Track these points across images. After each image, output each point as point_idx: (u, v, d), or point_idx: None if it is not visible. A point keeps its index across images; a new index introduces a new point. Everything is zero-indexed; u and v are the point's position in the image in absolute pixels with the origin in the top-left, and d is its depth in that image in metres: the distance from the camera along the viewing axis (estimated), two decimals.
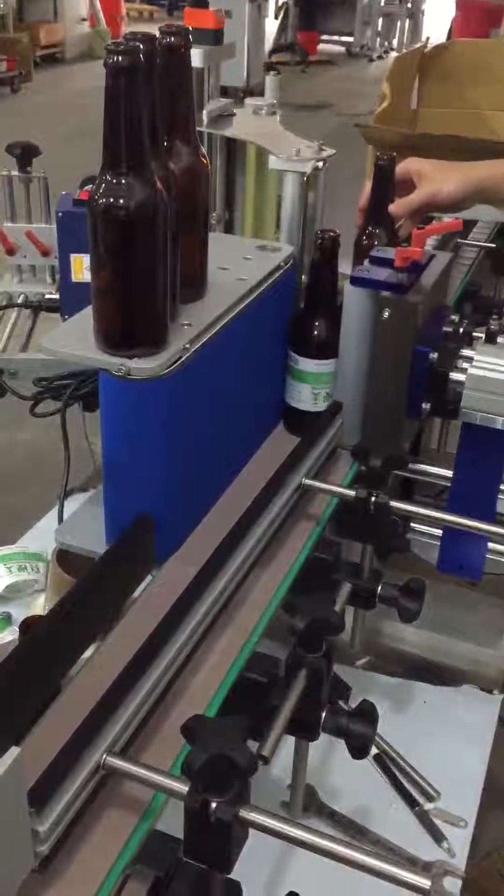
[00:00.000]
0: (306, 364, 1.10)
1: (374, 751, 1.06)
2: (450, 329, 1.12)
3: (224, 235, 1.30)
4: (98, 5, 10.02)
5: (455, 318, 1.14)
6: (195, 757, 0.58)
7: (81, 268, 1.44)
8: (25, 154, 1.50)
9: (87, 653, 0.80)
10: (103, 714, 0.67)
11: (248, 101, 1.42)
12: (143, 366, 0.81)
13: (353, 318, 1.03)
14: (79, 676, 0.78)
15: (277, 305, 1.07)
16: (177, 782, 0.61)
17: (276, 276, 1.04)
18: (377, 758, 1.05)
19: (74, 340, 0.85)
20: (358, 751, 0.81)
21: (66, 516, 1.11)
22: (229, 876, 0.62)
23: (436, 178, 1.16)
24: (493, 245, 1.62)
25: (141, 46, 0.73)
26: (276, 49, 9.79)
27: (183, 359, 0.84)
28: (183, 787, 0.60)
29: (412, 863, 0.93)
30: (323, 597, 0.80)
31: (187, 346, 0.85)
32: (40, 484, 2.31)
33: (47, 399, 1.34)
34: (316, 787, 1.01)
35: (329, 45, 10.67)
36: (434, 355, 1.02)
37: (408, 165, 1.19)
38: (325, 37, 10.66)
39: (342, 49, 10.71)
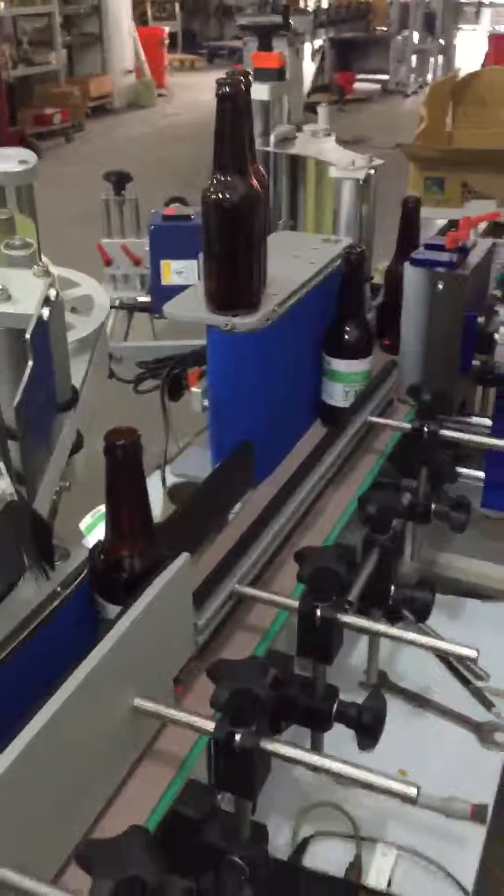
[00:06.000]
0: (338, 364, 1.25)
1: None
2: (492, 302, 1.35)
3: (295, 233, 1.56)
4: (143, 57, 10.54)
5: (498, 292, 1.37)
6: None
7: (170, 272, 1.70)
8: (120, 180, 1.78)
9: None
10: (219, 576, 0.90)
11: (306, 127, 1.69)
12: (245, 321, 1.06)
13: (412, 294, 1.27)
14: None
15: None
16: (294, 601, 0.84)
17: (340, 261, 1.29)
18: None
19: (188, 306, 1.10)
20: (420, 615, 1.02)
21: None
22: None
23: None
24: None
25: (242, 79, 0.98)
26: (314, 90, 10.19)
27: (274, 317, 1.09)
28: (294, 602, 0.83)
29: (466, 722, 1.15)
30: (391, 491, 1.02)
31: (276, 308, 1.10)
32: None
33: (149, 379, 1.61)
34: (386, 671, 1.23)
35: (365, 84, 11.06)
36: (481, 319, 1.26)
37: None
38: (360, 76, 11.06)
39: (377, 87, 11.08)
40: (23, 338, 0.67)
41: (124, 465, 0.74)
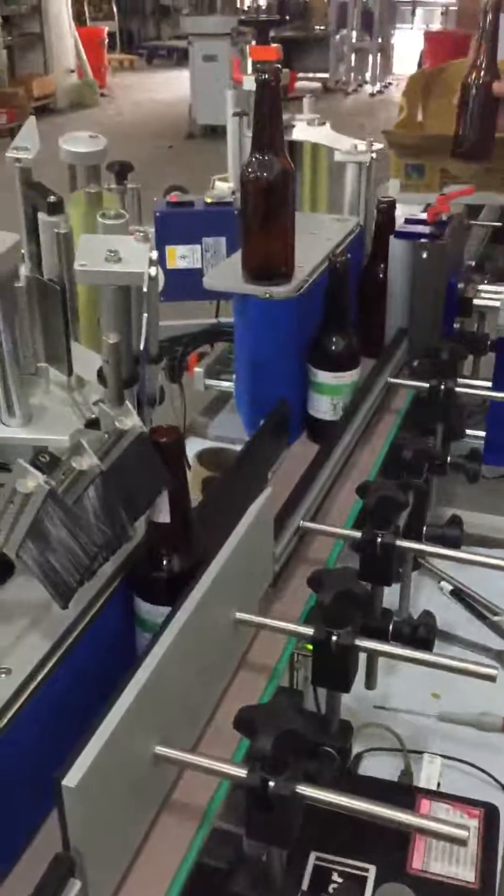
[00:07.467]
0: (325, 377, 1.21)
1: (450, 587, 1.39)
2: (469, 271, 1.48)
3: (309, 213, 1.65)
4: (84, 57, 10.53)
5: (472, 262, 1.49)
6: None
7: (175, 257, 1.79)
8: (122, 170, 1.85)
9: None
10: (287, 513, 1.00)
11: (300, 116, 1.78)
12: (282, 290, 1.16)
13: (398, 265, 1.38)
14: None
15: (353, 256, 1.42)
16: (354, 532, 0.94)
17: (351, 237, 1.39)
18: (453, 592, 1.38)
19: (226, 278, 1.19)
20: (453, 546, 1.14)
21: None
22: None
23: None
24: (500, 224, 1.99)
25: (278, 68, 1.08)
26: None
27: (306, 286, 1.19)
28: (356, 532, 0.93)
29: (488, 651, 1.26)
30: (423, 440, 1.13)
31: (307, 277, 1.20)
32: None
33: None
34: (411, 611, 1.33)
35: (305, 83, 11.23)
36: (461, 285, 1.38)
37: None
38: (300, 74, 11.22)
39: (318, 85, 11.25)
40: (128, 295, 0.76)
41: (168, 462, 0.75)
